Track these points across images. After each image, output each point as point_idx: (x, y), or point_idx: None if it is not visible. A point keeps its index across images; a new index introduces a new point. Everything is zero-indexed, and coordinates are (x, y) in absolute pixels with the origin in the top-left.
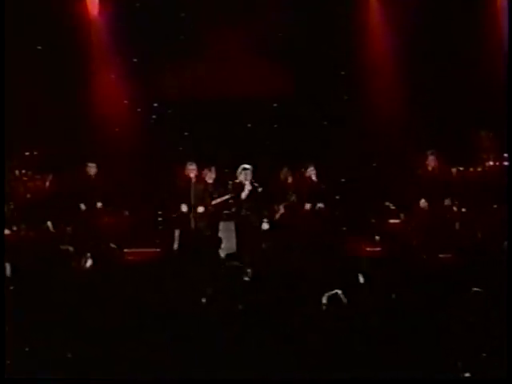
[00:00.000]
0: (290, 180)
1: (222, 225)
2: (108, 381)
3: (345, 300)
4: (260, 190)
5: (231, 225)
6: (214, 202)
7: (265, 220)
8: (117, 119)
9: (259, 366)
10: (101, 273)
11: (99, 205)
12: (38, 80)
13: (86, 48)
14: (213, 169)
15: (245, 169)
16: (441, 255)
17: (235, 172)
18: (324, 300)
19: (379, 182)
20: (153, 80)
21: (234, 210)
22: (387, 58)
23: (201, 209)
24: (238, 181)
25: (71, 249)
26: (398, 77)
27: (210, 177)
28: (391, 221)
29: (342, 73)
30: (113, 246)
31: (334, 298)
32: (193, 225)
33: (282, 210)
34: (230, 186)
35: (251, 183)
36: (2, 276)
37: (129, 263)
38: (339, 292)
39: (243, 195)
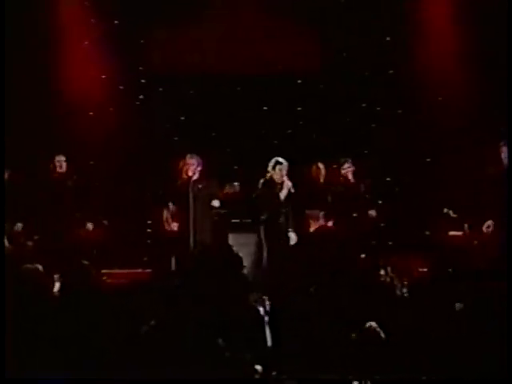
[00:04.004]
0: (320, 179)
1: (233, 238)
2: (108, 381)
3: (382, 334)
4: (293, 191)
5: (248, 238)
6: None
7: (290, 230)
8: (92, 100)
9: None
10: (75, 299)
11: (70, 210)
12: None
13: (52, 5)
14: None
15: (279, 163)
16: None
17: (244, 168)
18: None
19: (435, 182)
20: (140, 48)
21: (264, 217)
22: (445, 21)
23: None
24: (267, 177)
25: (40, 268)
26: (460, 43)
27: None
28: (451, 233)
29: (387, 39)
30: (85, 262)
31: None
32: (193, 238)
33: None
34: (260, 186)
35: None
36: (2, 275)
37: (109, 288)
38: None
39: (282, 195)
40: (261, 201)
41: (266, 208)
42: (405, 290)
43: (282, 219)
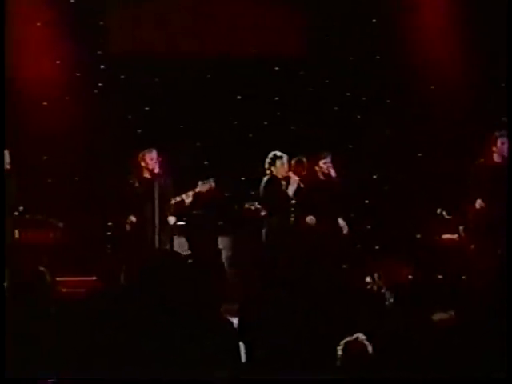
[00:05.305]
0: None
1: (222, 241)
2: (108, 381)
3: (370, 348)
4: (302, 186)
5: (223, 241)
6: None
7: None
8: (46, 88)
9: None
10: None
11: (16, 212)
12: None
13: None
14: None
15: (278, 157)
16: None
17: (215, 164)
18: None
19: (427, 179)
20: (98, 31)
21: (274, 218)
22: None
23: (172, 218)
24: (269, 175)
25: None
26: (454, 25)
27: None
28: (445, 236)
29: (374, 20)
30: (42, 269)
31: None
32: (158, 241)
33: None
34: (263, 185)
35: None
36: (2, 277)
37: (62, 297)
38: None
39: (290, 191)
40: (268, 201)
41: (275, 208)
42: (392, 299)
43: (292, 217)
